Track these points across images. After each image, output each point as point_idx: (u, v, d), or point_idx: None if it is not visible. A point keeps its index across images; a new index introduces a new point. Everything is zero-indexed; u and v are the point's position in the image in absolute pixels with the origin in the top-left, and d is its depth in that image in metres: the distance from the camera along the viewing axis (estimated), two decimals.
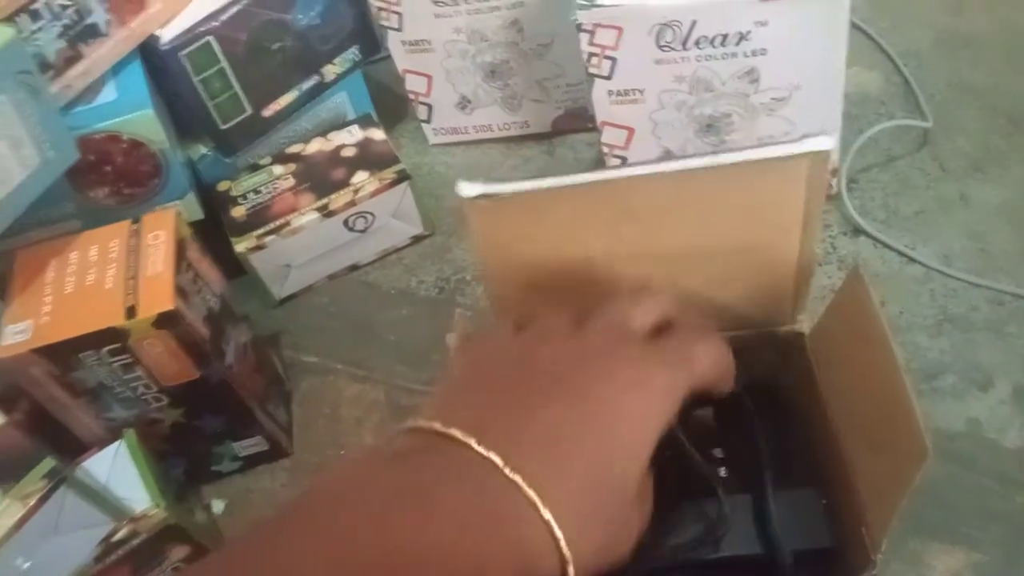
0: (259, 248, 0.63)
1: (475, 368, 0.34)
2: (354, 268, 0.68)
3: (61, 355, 0.46)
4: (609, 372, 0.32)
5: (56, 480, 0.41)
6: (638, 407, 0.31)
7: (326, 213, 0.63)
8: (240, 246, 0.62)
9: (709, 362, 0.34)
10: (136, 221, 0.51)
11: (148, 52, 0.60)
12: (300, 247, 0.64)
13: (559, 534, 0.28)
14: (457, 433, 0.29)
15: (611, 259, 0.39)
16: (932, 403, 0.53)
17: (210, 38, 0.60)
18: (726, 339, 0.36)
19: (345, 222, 0.65)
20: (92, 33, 0.56)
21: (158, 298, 0.46)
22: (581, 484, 0.29)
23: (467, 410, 0.31)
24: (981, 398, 0.53)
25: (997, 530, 0.48)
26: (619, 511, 0.31)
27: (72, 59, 0.56)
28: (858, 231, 0.61)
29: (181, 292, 0.48)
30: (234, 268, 0.61)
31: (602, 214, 0.38)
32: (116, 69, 0.59)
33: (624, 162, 0.63)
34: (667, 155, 0.61)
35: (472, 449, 0.28)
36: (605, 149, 0.63)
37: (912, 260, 0.59)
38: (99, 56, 0.57)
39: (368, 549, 0.26)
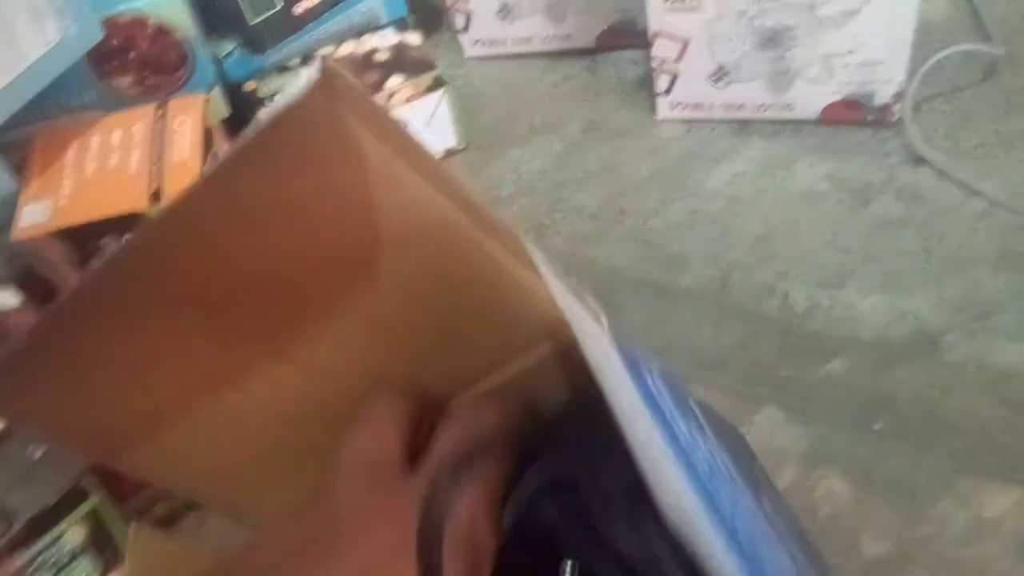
0: None
1: None
2: None
3: (80, 239, 0.44)
4: (368, 534, 0.24)
5: None
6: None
7: None
8: None
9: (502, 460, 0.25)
10: (162, 106, 0.48)
11: None
12: None
13: None
14: None
15: None
16: (987, 341, 0.50)
17: None
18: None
19: None
20: None
21: (184, 184, 0.44)
22: None
23: None
24: None
25: None
26: None
27: None
28: (920, 161, 0.58)
29: None
30: None
31: None
32: None
33: (672, 80, 0.60)
34: (720, 72, 0.58)
35: None
36: (655, 64, 0.59)
37: (975, 193, 0.56)
38: None
39: None
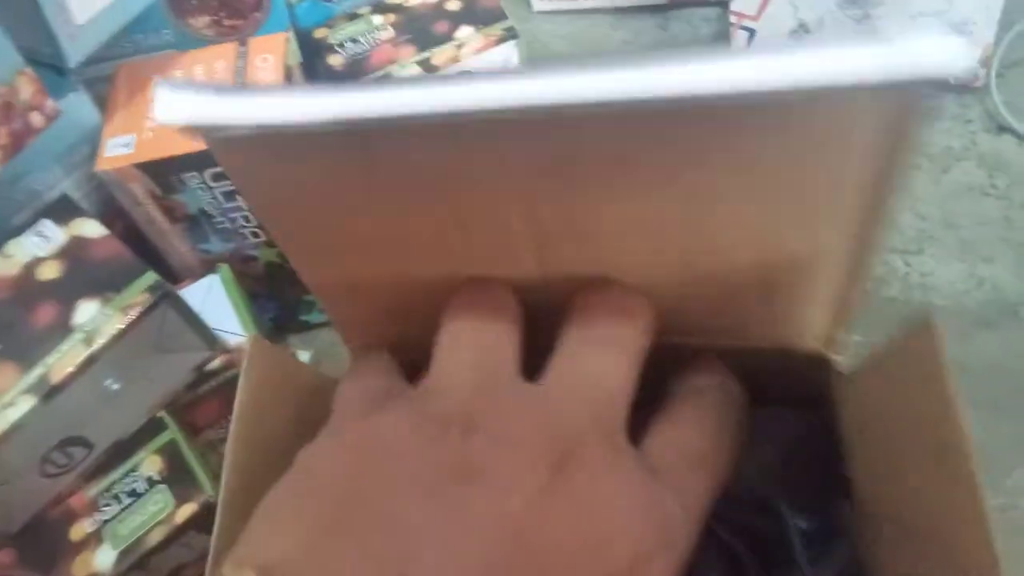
0: None
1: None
2: None
3: (164, 173, 0.44)
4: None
5: (160, 294, 0.40)
6: None
7: (427, 67, 0.60)
8: None
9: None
10: (243, 44, 0.48)
11: None
12: None
13: None
14: None
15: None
16: None
17: None
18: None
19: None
20: None
21: None
22: None
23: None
24: None
25: None
26: None
27: None
28: (1002, 128, 0.57)
29: None
30: None
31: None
32: None
33: (751, 36, 0.59)
34: (801, 29, 0.57)
35: None
36: (733, 19, 0.58)
37: None
38: None
39: None
